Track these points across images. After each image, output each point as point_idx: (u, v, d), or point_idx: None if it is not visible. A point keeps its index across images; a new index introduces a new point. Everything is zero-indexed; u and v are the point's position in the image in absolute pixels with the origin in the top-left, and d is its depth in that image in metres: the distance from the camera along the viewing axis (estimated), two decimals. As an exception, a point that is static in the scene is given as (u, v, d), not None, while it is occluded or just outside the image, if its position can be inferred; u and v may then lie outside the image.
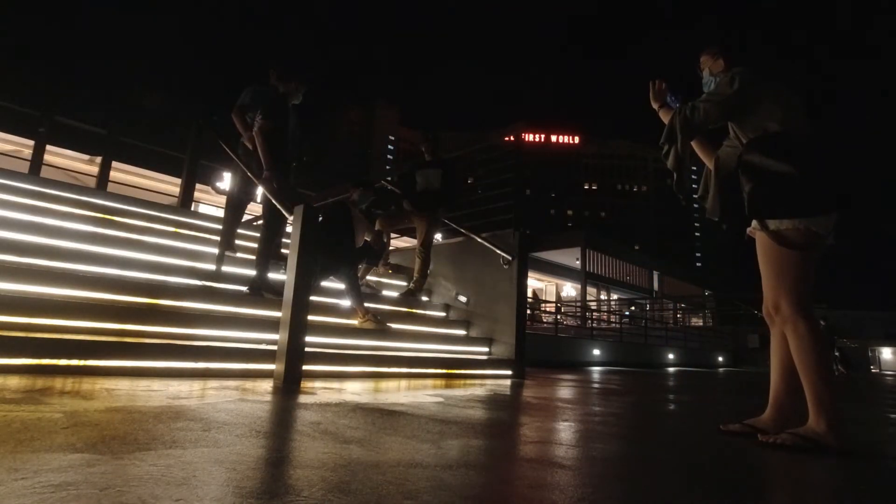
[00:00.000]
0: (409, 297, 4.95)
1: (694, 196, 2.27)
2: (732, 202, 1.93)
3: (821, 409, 1.69)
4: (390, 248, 5.74)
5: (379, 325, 4.01)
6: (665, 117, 2.10)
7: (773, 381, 1.97)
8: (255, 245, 3.98)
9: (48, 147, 9.56)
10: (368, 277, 4.93)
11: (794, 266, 1.78)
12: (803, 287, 1.78)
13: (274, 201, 3.46)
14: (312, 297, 3.13)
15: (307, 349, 2.79)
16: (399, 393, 2.67)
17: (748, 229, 1.95)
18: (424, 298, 5.30)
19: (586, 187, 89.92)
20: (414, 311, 4.96)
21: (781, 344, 1.94)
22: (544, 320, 15.98)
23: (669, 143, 2.02)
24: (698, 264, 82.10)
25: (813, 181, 1.74)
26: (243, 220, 4.77)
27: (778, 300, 1.82)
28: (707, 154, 2.17)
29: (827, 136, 1.89)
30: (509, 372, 4.39)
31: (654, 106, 2.19)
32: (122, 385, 2.13)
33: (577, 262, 23.98)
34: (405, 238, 6.93)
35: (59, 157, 10.06)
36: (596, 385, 4.59)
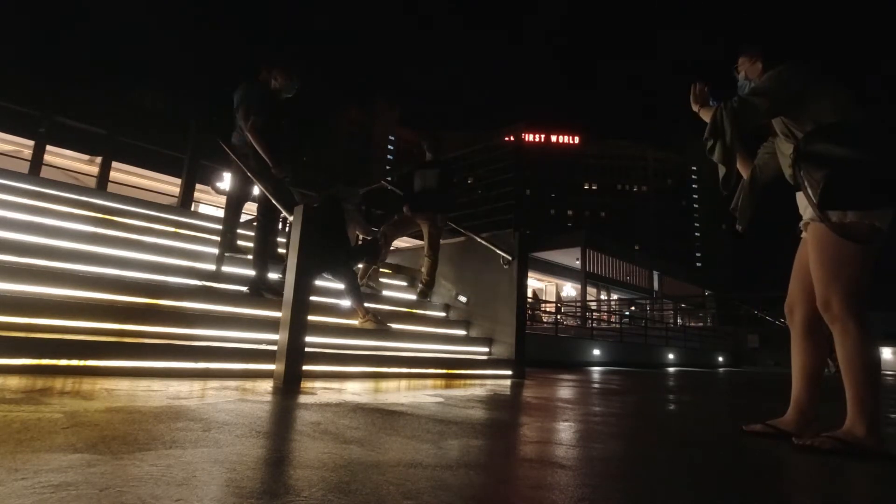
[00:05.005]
0: (417, 299, 4.96)
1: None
2: (760, 209, 1.90)
3: (862, 411, 1.63)
4: (391, 248, 5.74)
5: (379, 325, 4.01)
6: (706, 116, 2.00)
7: (795, 383, 1.93)
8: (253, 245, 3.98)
9: (48, 147, 9.55)
10: (368, 282, 4.92)
11: (852, 262, 1.68)
12: (859, 285, 1.68)
13: (273, 200, 3.46)
14: (312, 297, 3.13)
15: (307, 349, 2.79)
16: (399, 393, 2.67)
17: (801, 223, 1.89)
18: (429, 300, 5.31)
19: (586, 187, 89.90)
20: (414, 311, 4.96)
21: (802, 346, 1.90)
22: (544, 320, 15.97)
23: (714, 138, 1.92)
24: (698, 264, 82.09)
25: (882, 171, 1.64)
26: (242, 219, 4.76)
27: (829, 298, 1.71)
28: (743, 163, 2.12)
29: (882, 126, 1.83)
30: (509, 372, 4.39)
31: (695, 108, 2.12)
32: (122, 385, 2.13)
33: (577, 262, 23.97)
34: (405, 239, 6.93)
35: (59, 157, 10.06)
36: (596, 385, 4.58)
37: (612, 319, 19.77)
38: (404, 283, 5.62)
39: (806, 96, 1.82)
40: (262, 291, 3.73)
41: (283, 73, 3.96)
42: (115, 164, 10.41)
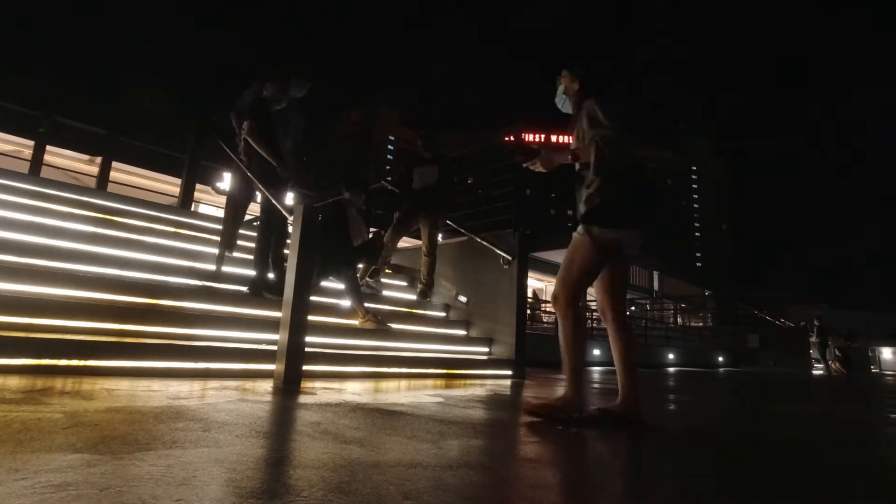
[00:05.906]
0: (417, 299, 4.96)
1: None
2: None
3: (571, 384, 2.06)
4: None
5: (379, 325, 4.01)
6: (585, 155, 2.18)
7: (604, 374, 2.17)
8: (254, 245, 3.97)
9: (48, 147, 9.55)
10: (367, 279, 4.92)
11: (588, 266, 2.06)
12: (583, 284, 2.09)
13: (273, 201, 3.46)
14: (312, 297, 3.13)
15: (307, 349, 2.79)
16: (399, 393, 2.67)
17: (574, 233, 2.17)
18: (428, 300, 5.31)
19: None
20: (414, 311, 4.96)
21: (612, 338, 2.15)
22: (544, 320, 15.95)
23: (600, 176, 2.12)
24: (698, 264, 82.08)
25: (630, 203, 2.11)
26: (244, 220, 4.75)
27: (558, 291, 2.10)
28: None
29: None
30: (509, 372, 4.39)
31: (567, 160, 2.33)
32: (122, 385, 2.13)
33: (577, 262, 23.91)
34: (405, 239, 6.92)
35: (59, 157, 10.06)
36: (596, 385, 4.58)
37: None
38: (404, 283, 5.62)
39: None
40: (262, 292, 3.73)
41: (274, 86, 3.93)
42: (115, 164, 10.42)
